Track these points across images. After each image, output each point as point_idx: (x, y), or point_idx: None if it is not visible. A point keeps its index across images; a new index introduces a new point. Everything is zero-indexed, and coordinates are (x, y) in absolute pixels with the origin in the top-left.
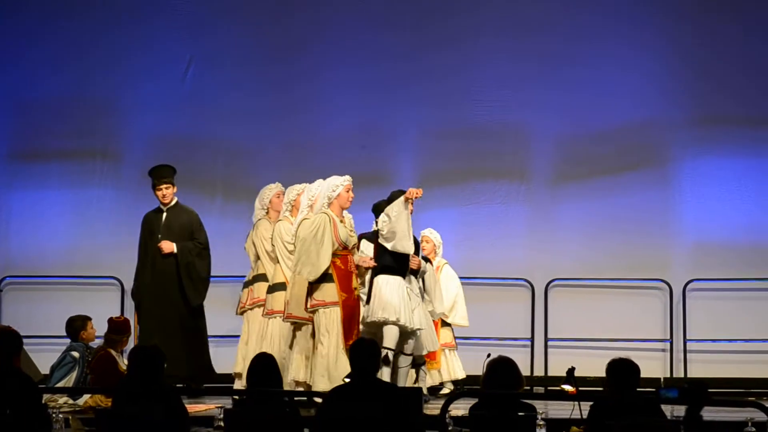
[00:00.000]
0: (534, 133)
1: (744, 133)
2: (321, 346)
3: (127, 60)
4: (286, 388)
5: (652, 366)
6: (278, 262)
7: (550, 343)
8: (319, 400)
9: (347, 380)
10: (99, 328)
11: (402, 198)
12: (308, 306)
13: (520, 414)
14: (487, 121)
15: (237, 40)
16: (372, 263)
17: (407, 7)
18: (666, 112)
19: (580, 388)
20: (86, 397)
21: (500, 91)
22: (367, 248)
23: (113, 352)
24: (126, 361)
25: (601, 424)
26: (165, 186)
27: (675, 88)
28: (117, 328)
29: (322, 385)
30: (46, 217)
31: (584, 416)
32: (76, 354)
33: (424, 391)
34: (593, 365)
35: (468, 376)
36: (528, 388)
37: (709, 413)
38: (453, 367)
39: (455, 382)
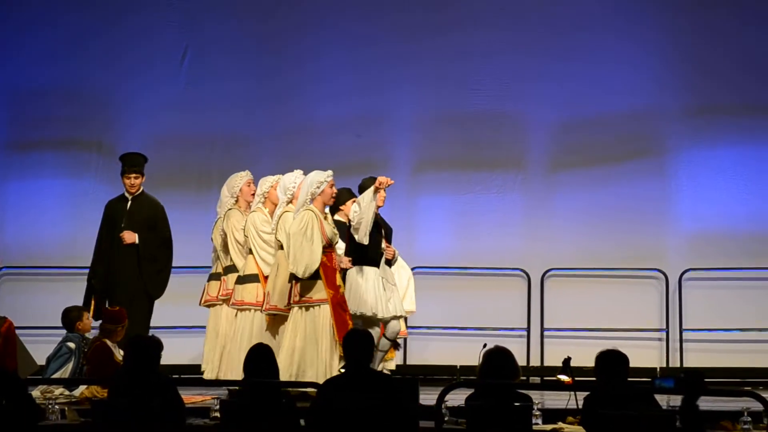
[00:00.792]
0: (530, 123)
1: (740, 123)
2: (302, 342)
3: (123, 51)
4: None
5: (648, 355)
6: (250, 253)
7: (546, 333)
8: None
9: (342, 371)
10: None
11: (372, 188)
12: (292, 301)
13: (516, 404)
14: (484, 110)
15: (231, 29)
16: (349, 264)
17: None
18: (662, 101)
19: (576, 378)
20: (82, 388)
21: (496, 80)
22: None
23: (109, 343)
24: (122, 352)
25: (596, 414)
26: (135, 175)
27: (671, 78)
28: (111, 317)
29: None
30: (42, 207)
31: (580, 406)
32: (72, 345)
33: None
34: (589, 355)
35: (463, 367)
36: (524, 378)
37: (705, 403)
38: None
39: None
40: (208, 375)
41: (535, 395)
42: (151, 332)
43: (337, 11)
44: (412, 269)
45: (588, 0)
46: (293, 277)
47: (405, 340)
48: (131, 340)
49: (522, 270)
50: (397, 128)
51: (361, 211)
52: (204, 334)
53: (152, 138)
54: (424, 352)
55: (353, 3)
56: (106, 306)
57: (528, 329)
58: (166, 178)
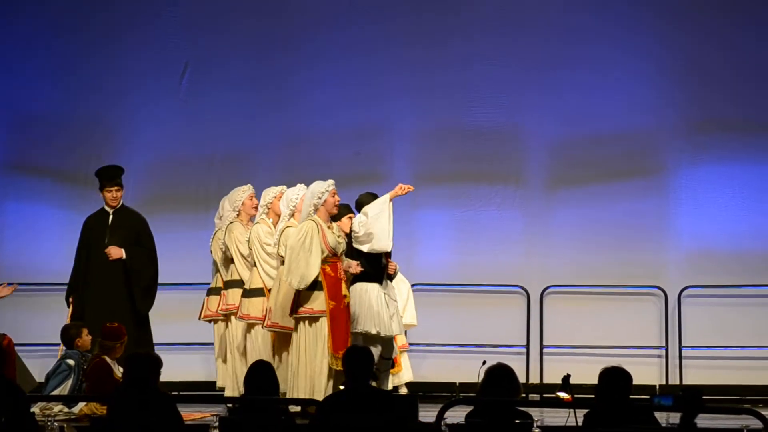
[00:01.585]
0: (530, 137)
1: (740, 139)
2: (303, 356)
3: (120, 74)
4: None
5: (647, 373)
6: (254, 266)
7: (545, 350)
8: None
9: (342, 387)
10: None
11: (387, 196)
12: (294, 314)
13: (516, 422)
14: (483, 124)
15: (227, 43)
16: (359, 269)
17: (400, 9)
18: (662, 117)
19: (576, 396)
20: (81, 405)
21: (496, 94)
22: None
23: (108, 360)
24: (121, 369)
25: None
26: (116, 188)
27: (671, 94)
28: (110, 333)
29: (302, 395)
30: (40, 228)
31: (579, 424)
32: (71, 362)
33: None
34: (589, 372)
35: (462, 384)
36: (523, 395)
37: (704, 420)
38: (407, 369)
39: (407, 385)
40: (229, 393)
41: (534, 412)
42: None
43: (335, 28)
44: (412, 285)
45: (589, 15)
46: (298, 291)
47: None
48: (130, 357)
49: (521, 287)
50: (396, 141)
51: (368, 221)
52: (211, 351)
53: (149, 158)
54: (423, 369)
55: (349, 19)
56: (107, 324)
57: (527, 346)
58: (165, 196)
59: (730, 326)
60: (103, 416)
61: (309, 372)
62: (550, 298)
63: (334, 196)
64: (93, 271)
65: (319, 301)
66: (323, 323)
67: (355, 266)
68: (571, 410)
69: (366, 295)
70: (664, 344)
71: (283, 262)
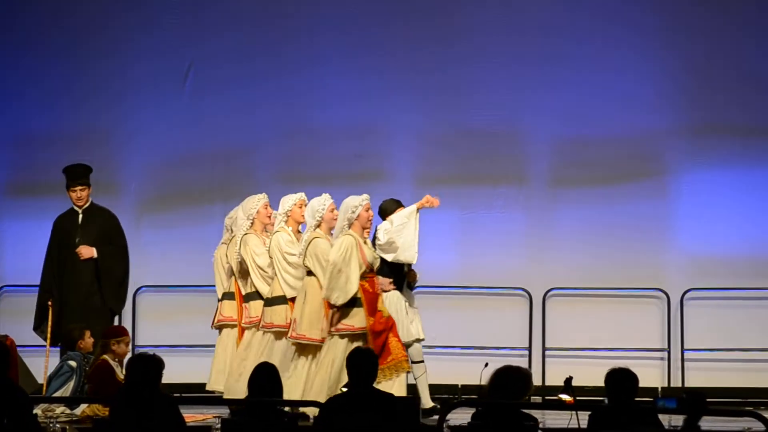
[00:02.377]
0: (532, 138)
1: (743, 143)
2: (337, 372)
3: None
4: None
5: (650, 375)
6: (275, 275)
7: (547, 352)
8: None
9: (344, 389)
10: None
11: (414, 207)
12: (333, 330)
13: (520, 424)
14: (485, 124)
15: (229, 43)
16: (392, 287)
17: (401, 9)
18: (665, 120)
19: (578, 398)
20: (83, 406)
21: (500, 94)
22: None
23: (111, 361)
24: (123, 371)
25: None
26: (80, 188)
27: (674, 97)
28: (111, 332)
29: None
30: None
31: (582, 426)
32: (73, 363)
33: None
34: (591, 375)
35: (464, 386)
36: (526, 397)
37: (707, 423)
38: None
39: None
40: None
41: (536, 415)
42: (152, 350)
43: (336, 28)
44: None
45: (593, 18)
46: (333, 305)
47: None
48: (132, 358)
49: (524, 289)
50: (397, 142)
51: (392, 230)
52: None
53: (149, 168)
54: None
55: (352, 20)
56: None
57: (529, 348)
58: (169, 197)
59: (733, 329)
60: (106, 418)
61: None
62: (553, 300)
63: (368, 211)
64: (65, 272)
65: (358, 318)
66: (363, 340)
67: (388, 284)
68: (574, 413)
69: (387, 303)
70: (666, 347)
71: (309, 273)
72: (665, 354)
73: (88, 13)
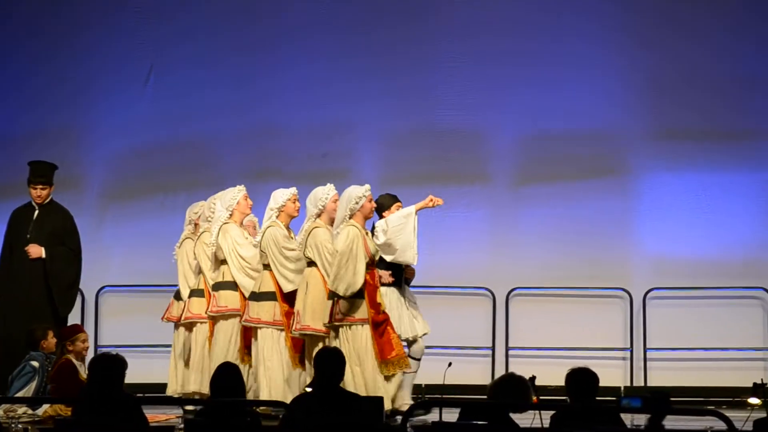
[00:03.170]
0: (497, 137)
1: (704, 147)
2: (357, 368)
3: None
4: None
5: (612, 375)
6: (266, 268)
7: (511, 352)
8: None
9: (309, 389)
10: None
11: (412, 207)
12: (334, 320)
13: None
14: (449, 124)
15: (199, 41)
16: (390, 279)
17: (368, 9)
18: (628, 121)
19: (541, 398)
20: (46, 406)
21: (463, 94)
22: None
23: (74, 361)
24: (87, 370)
25: None
26: (41, 186)
27: (637, 99)
28: (64, 333)
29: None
30: None
31: (544, 425)
32: (35, 363)
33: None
34: (554, 374)
35: (428, 386)
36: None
37: (669, 422)
38: None
39: None
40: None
41: None
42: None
43: (303, 26)
44: None
45: (559, 17)
46: (334, 295)
47: None
48: (94, 358)
49: (487, 289)
50: (362, 141)
51: (388, 232)
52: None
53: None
54: None
55: (318, 18)
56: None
57: (493, 348)
58: (132, 190)
59: (695, 328)
60: (68, 418)
61: (359, 378)
62: (516, 300)
63: (371, 201)
64: (13, 268)
65: (361, 309)
66: (365, 331)
67: (387, 276)
68: (537, 412)
69: (386, 300)
70: (629, 346)
71: (309, 263)
72: (628, 353)
73: (41, 10)
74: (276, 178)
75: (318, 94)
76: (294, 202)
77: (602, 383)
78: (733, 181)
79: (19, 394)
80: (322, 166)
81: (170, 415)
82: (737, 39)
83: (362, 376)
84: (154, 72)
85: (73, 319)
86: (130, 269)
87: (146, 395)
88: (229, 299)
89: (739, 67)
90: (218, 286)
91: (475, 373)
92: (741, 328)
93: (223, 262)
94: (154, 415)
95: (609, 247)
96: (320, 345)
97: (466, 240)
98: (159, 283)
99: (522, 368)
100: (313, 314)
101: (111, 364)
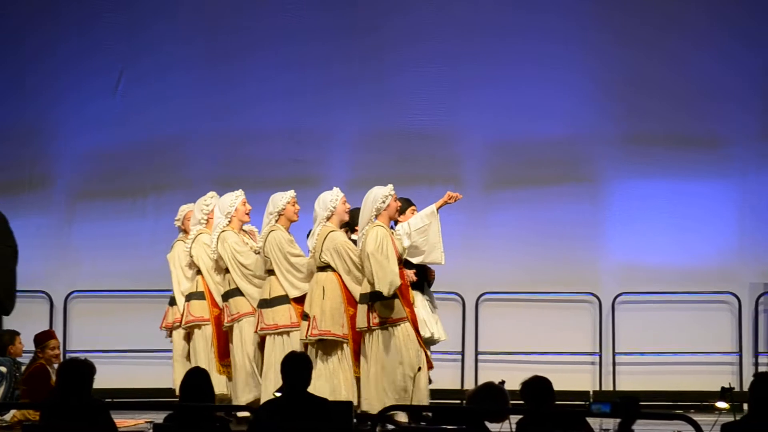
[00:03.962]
0: (467, 140)
1: (672, 154)
2: (380, 366)
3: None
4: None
5: (581, 379)
6: (271, 274)
7: (480, 356)
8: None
9: (278, 394)
10: (26, 342)
11: (433, 207)
12: (371, 324)
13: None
14: (420, 126)
15: (171, 47)
16: (414, 277)
17: (337, 13)
18: (597, 128)
19: (511, 402)
20: (14, 411)
21: (433, 97)
22: None
23: (48, 366)
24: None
25: None
26: None
27: (607, 106)
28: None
29: (377, 405)
30: None
31: (513, 430)
32: (3, 369)
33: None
34: (524, 378)
35: None
36: (458, 401)
37: (638, 426)
38: None
39: None
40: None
41: None
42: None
43: (272, 28)
44: None
45: (528, 24)
46: (372, 298)
47: None
48: (63, 363)
49: (457, 293)
50: (333, 145)
51: (412, 233)
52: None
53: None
54: None
55: (288, 21)
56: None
57: (462, 353)
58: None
59: (663, 333)
60: (36, 423)
61: (389, 380)
62: (486, 304)
63: (396, 201)
64: None
65: (398, 309)
66: (401, 329)
67: (411, 275)
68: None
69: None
70: (598, 350)
71: (323, 267)
72: (597, 358)
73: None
74: (245, 184)
75: (288, 100)
76: (293, 205)
77: (572, 388)
78: (703, 187)
79: None
80: (293, 171)
81: (139, 420)
82: (698, 48)
83: (388, 374)
84: (124, 76)
85: (42, 323)
86: (99, 273)
87: (114, 400)
88: (240, 305)
89: (707, 75)
90: (229, 295)
91: (445, 378)
92: (709, 332)
93: (227, 270)
94: (123, 420)
95: (579, 251)
96: (338, 351)
97: None
98: (128, 287)
99: (491, 373)
100: (332, 319)
101: (79, 369)
